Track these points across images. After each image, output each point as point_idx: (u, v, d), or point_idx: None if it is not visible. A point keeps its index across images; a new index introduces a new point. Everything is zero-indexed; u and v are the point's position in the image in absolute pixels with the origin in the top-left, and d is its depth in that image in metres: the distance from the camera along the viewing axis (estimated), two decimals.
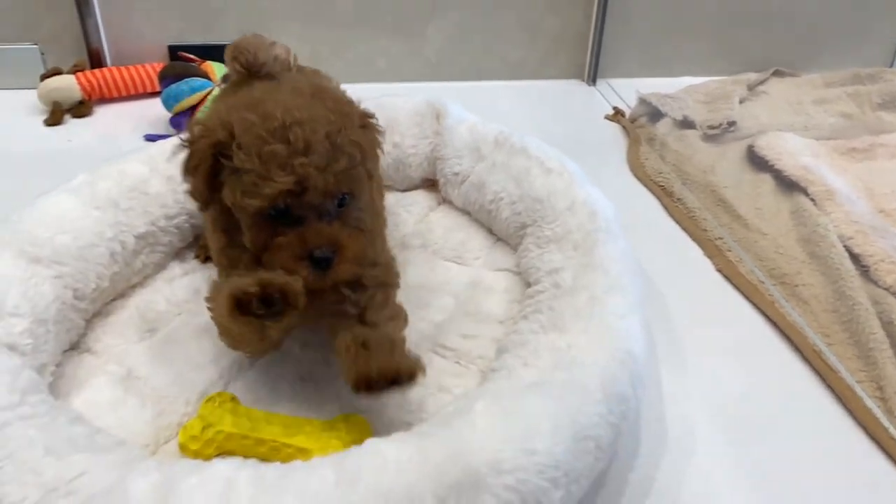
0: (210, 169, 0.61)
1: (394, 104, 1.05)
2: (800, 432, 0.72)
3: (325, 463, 0.50)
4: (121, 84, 1.43)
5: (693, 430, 0.71)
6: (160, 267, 0.87)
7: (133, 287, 0.84)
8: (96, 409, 0.67)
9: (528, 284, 0.81)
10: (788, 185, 1.14)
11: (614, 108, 1.46)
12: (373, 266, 0.67)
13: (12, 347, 0.63)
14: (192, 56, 1.35)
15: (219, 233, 0.67)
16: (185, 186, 0.64)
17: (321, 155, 0.58)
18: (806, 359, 0.81)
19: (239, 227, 0.63)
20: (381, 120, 1.03)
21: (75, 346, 0.75)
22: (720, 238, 1.02)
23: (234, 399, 0.67)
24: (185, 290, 0.84)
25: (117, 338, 0.77)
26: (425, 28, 1.55)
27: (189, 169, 0.62)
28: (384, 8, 1.52)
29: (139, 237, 0.83)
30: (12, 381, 0.58)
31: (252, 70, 0.77)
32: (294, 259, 0.59)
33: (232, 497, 0.47)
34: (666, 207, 1.12)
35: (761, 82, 1.58)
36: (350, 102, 0.66)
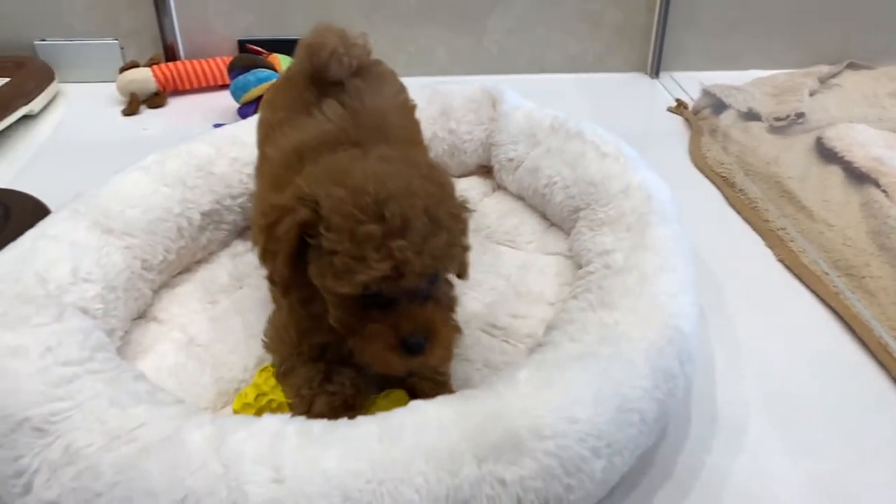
0: (294, 251, 0.55)
1: (450, 91, 1.06)
2: (858, 424, 0.70)
3: (369, 420, 0.52)
4: (193, 76, 1.49)
5: (746, 416, 0.70)
6: (224, 244, 0.91)
7: (198, 262, 0.88)
8: (159, 374, 0.70)
9: (580, 267, 0.81)
10: (859, 177, 1.09)
11: (677, 99, 1.43)
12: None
13: (85, 311, 0.67)
14: (259, 49, 1.40)
15: (296, 313, 0.62)
16: (263, 271, 0.59)
17: (419, 233, 0.51)
18: (871, 351, 0.78)
19: (316, 297, 0.58)
20: (437, 107, 1.06)
21: (142, 315, 0.79)
22: (783, 229, 0.99)
23: None
24: (248, 265, 0.87)
25: (181, 308, 0.81)
26: (486, 21, 1.56)
27: (268, 254, 0.56)
28: (446, 1, 1.54)
29: (205, 214, 0.87)
30: (83, 340, 0.61)
31: (321, 72, 0.72)
32: (386, 349, 0.54)
33: (279, 446, 0.49)
34: (727, 198, 1.09)
35: (834, 75, 1.52)
36: (442, 170, 0.59)
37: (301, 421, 0.53)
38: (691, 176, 1.17)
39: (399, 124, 0.75)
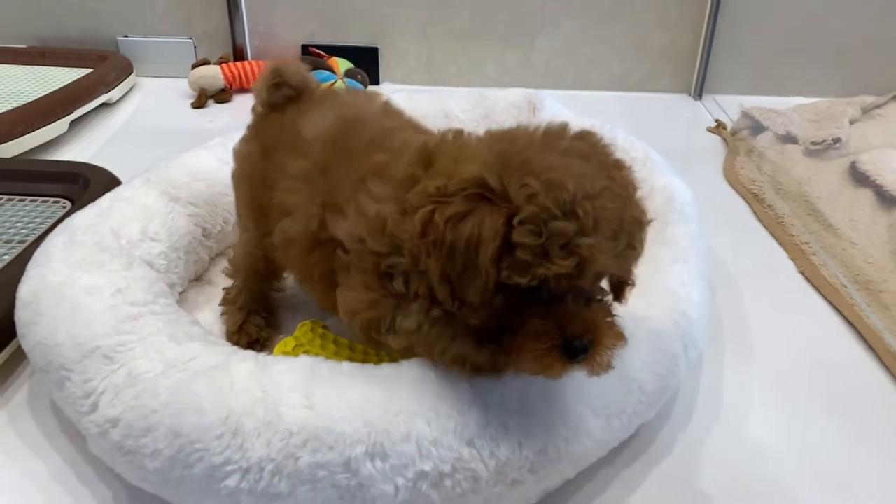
0: (498, 249, 0.49)
1: (494, 95, 1.13)
2: (861, 420, 0.73)
3: (393, 365, 0.58)
4: (258, 76, 1.59)
5: (749, 409, 0.73)
6: None
7: None
8: (210, 327, 0.78)
9: None
10: (889, 200, 1.12)
11: (716, 120, 1.47)
12: None
13: (150, 264, 0.76)
14: (320, 52, 1.50)
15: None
16: (444, 295, 0.51)
17: (607, 235, 0.49)
18: (878, 357, 0.81)
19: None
20: (481, 111, 1.13)
21: (199, 278, 0.88)
22: (806, 243, 1.02)
23: (325, 327, 0.76)
24: None
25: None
26: (534, 39, 1.63)
27: (460, 254, 0.50)
28: (498, 19, 1.61)
29: None
30: (148, 287, 0.70)
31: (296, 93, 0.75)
32: (549, 349, 0.50)
33: (311, 379, 0.56)
34: (755, 213, 1.13)
35: (878, 106, 1.54)
36: (628, 169, 0.55)
37: (332, 362, 0.59)
38: (722, 191, 1.21)
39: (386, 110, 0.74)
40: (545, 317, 0.51)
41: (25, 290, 0.68)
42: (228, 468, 0.53)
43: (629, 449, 0.67)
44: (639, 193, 0.54)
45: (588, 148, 0.53)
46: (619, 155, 0.65)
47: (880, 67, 1.62)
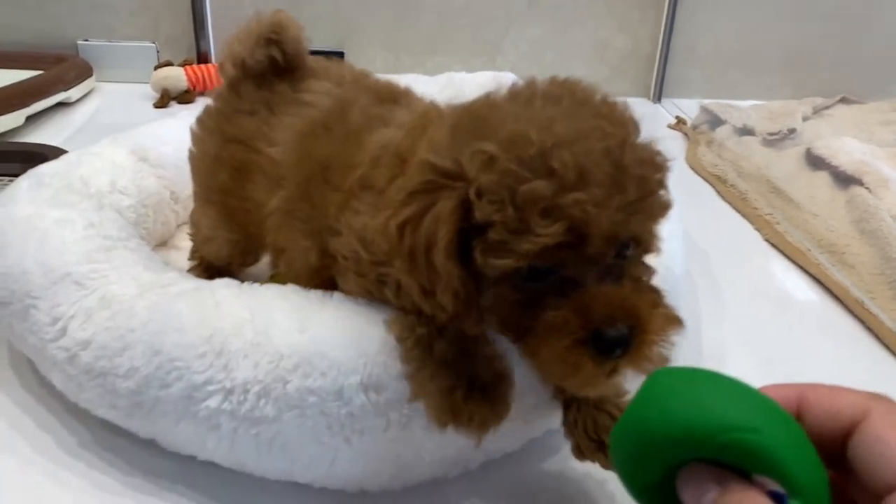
0: (455, 246, 0.41)
1: (462, 79, 1.15)
2: (836, 362, 0.74)
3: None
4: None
5: (725, 356, 0.74)
6: None
7: None
8: None
9: None
10: (845, 179, 1.15)
11: (676, 116, 1.52)
12: None
13: (120, 213, 0.73)
14: None
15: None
16: (413, 292, 0.44)
17: (601, 183, 0.39)
18: (847, 307, 0.83)
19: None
20: (450, 92, 1.14)
21: (164, 243, 0.86)
22: (769, 214, 1.05)
23: None
24: None
25: None
26: (500, 44, 1.67)
27: (421, 260, 0.42)
28: (463, 24, 1.65)
29: None
30: (121, 226, 0.68)
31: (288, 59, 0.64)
32: (573, 347, 0.39)
33: (306, 304, 0.54)
34: (719, 192, 1.16)
35: (827, 107, 1.61)
36: (622, 105, 0.45)
37: (326, 293, 0.56)
38: (686, 175, 1.24)
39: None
40: (562, 307, 0.40)
41: None
42: (210, 388, 0.51)
43: None
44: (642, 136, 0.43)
45: (559, 90, 0.43)
46: None
47: (827, 73, 1.70)
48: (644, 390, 0.33)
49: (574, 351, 0.39)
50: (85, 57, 1.64)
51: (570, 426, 0.52)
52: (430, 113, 0.53)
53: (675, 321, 0.42)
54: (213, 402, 0.51)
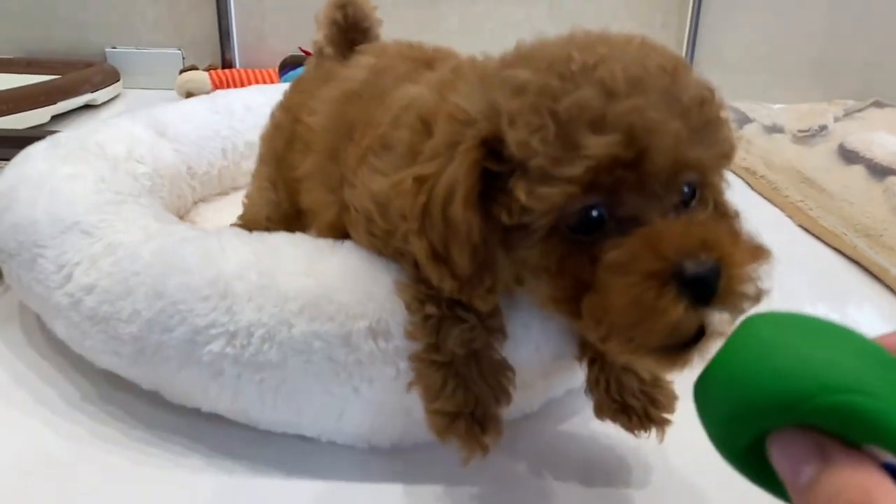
0: (476, 194, 0.36)
1: None
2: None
3: None
4: (244, 82, 1.59)
5: None
6: None
7: (237, 188, 0.93)
8: None
9: None
10: (881, 171, 1.11)
11: None
12: None
13: (135, 178, 0.72)
14: (310, 51, 1.51)
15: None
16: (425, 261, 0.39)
17: (659, 93, 0.34)
18: (888, 287, 0.79)
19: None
20: None
21: (181, 218, 0.84)
22: (802, 201, 1.01)
23: None
24: None
25: (215, 215, 0.86)
26: None
27: (437, 214, 0.37)
28: (484, 28, 1.65)
29: (248, 144, 0.92)
30: (133, 184, 0.67)
31: (353, 28, 0.66)
32: (654, 282, 0.32)
33: (314, 251, 0.52)
34: (749, 183, 1.13)
35: (859, 110, 1.57)
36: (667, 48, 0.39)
37: (336, 241, 0.54)
38: None
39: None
40: (630, 241, 0.33)
41: (2, 185, 0.64)
42: (213, 331, 0.49)
43: None
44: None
45: (605, 35, 0.39)
46: None
47: (859, 77, 1.66)
48: (734, 339, 0.28)
49: (654, 288, 0.32)
50: (113, 63, 1.66)
51: (592, 384, 0.49)
52: (462, 67, 0.49)
53: (761, 252, 0.35)
54: (216, 347, 0.48)
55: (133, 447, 0.51)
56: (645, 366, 0.42)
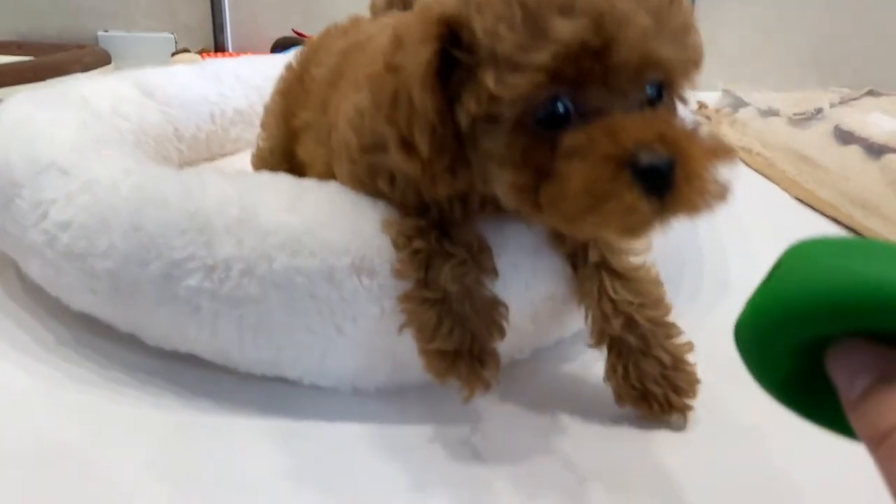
0: (436, 76, 0.37)
1: None
2: None
3: None
4: None
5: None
6: (251, 144, 0.94)
7: (225, 155, 0.92)
8: None
9: None
10: (877, 150, 1.10)
11: (698, 101, 1.48)
12: None
13: (120, 134, 0.71)
14: (303, 33, 1.50)
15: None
16: (391, 146, 0.40)
17: None
18: None
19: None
20: None
21: None
22: (799, 174, 1.00)
23: None
24: None
25: None
26: None
27: (403, 99, 0.37)
28: None
29: (237, 111, 0.91)
30: (119, 138, 0.65)
31: None
32: (608, 165, 0.33)
33: (297, 188, 0.51)
34: (745, 161, 1.12)
35: (854, 98, 1.56)
36: None
37: (320, 181, 0.53)
38: None
39: None
40: (590, 128, 0.34)
41: None
42: (191, 265, 0.47)
43: None
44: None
45: None
46: None
47: (855, 65, 1.66)
48: (775, 268, 0.26)
49: (608, 172, 0.33)
50: (105, 47, 1.65)
51: (610, 372, 0.47)
52: None
53: (722, 151, 0.36)
54: (193, 281, 0.47)
55: (108, 387, 0.49)
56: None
